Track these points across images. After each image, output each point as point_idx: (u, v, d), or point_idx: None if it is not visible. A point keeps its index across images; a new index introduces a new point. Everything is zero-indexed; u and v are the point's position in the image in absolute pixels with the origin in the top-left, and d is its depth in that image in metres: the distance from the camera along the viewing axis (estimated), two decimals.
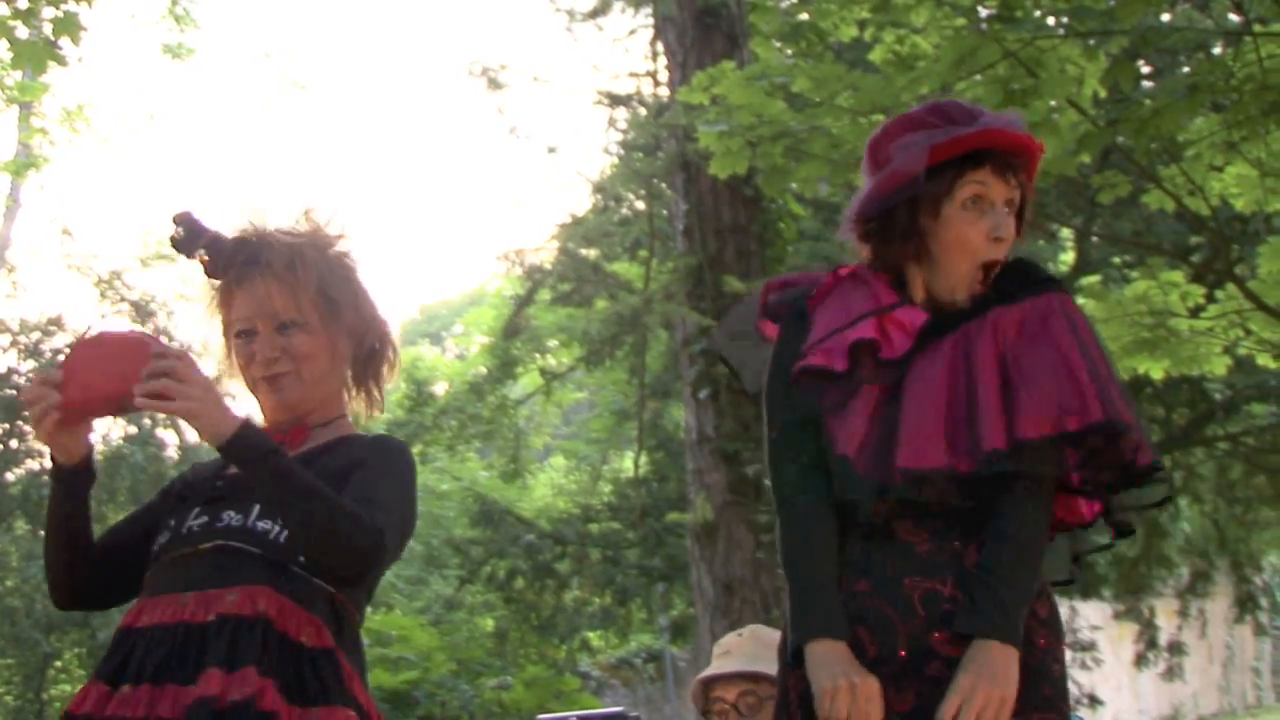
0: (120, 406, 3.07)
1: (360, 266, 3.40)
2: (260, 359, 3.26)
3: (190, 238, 3.28)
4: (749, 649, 4.34)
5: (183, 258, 3.33)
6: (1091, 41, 7.87)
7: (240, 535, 3.11)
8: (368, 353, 3.39)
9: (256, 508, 3.15)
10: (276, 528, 3.12)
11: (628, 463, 21.14)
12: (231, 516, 3.14)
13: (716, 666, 4.44)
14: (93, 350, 3.07)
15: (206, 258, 3.29)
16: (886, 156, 3.13)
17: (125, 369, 3.01)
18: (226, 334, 3.34)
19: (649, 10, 15.70)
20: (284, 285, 3.25)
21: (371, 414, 3.46)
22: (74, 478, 3.19)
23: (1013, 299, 3.07)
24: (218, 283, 3.33)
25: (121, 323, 18.26)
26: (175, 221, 3.29)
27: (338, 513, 2.99)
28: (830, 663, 2.92)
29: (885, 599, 2.98)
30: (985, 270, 3.09)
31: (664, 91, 15.29)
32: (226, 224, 3.34)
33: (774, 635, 4.17)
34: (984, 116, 3.12)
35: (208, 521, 3.14)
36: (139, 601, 3.11)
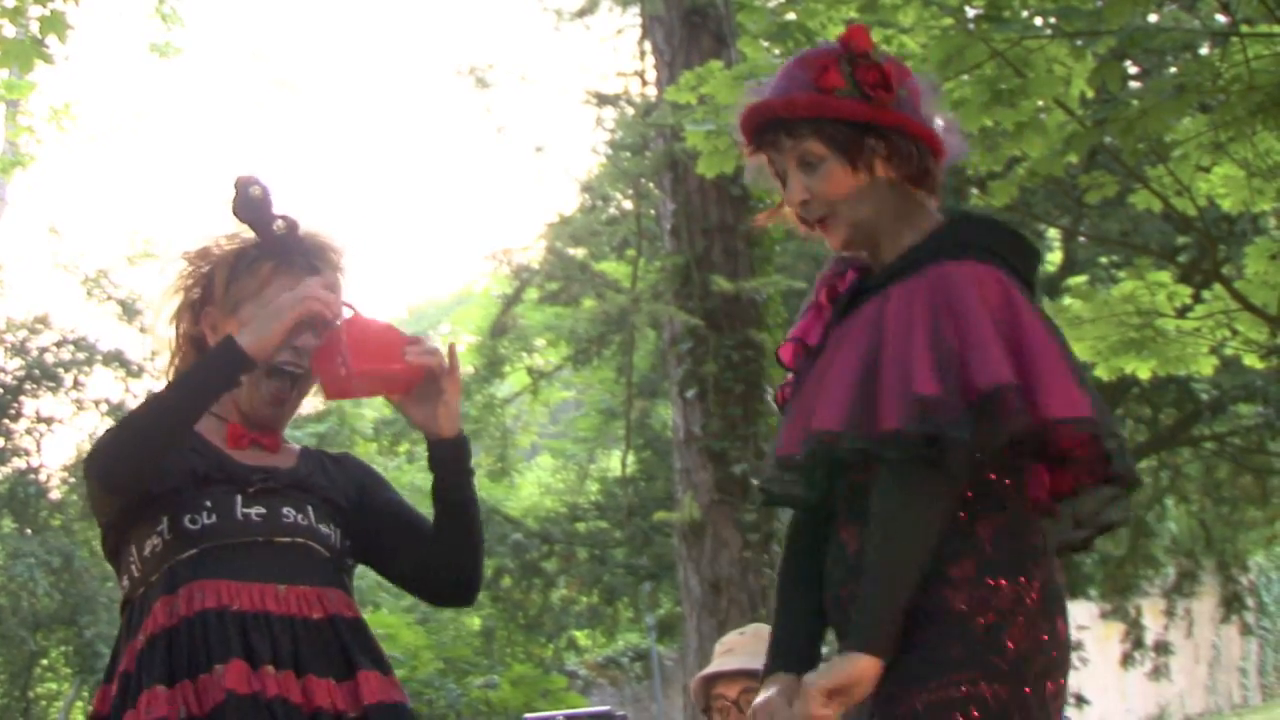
0: (394, 384, 3.16)
1: None
2: (291, 349, 3.21)
3: (268, 203, 3.24)
4: (751, 647, 4.35)
5: (243, 219, 3.26)
6: (1079, 42, 7.87)
7: (310, 535, 3.14)
8: None
9: (311, 509, 3.18)
10: (335, 533, 3.20)
11: (615, 462, 21.14)
12: (293, 514, 3.14)
13: (719, 664, 4.47)
14: (367, 328, 3.11)
15: (284, 230, 3.25)
16: None
17: (398, 350, 3.11)
18: (245, 304, 3.24)
19: (636, 10, 15.69)
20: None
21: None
22: (247, 369, 3.05)
23: (905, 274, 2.91)
24: (261, 256, 3.28)
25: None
26: (249, 183, 3.24)
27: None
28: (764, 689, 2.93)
29: (832, 610, 2.93)
30: (820, 224, 3.02)
31: (651, 91, 15.28)
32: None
33: None
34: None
35: (267, 514, 3.12)
36: (209, 581, 3.01)
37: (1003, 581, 2.77)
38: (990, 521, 2.82)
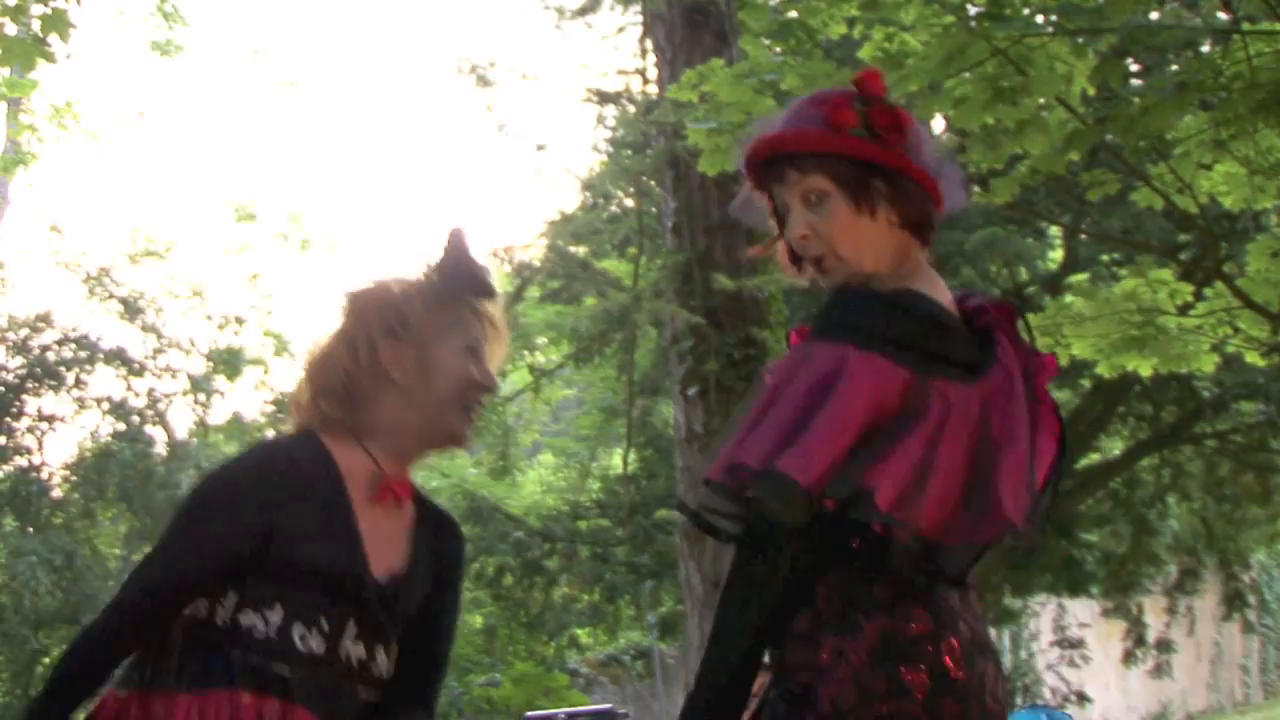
0: None
1: None
2: (482, 384, 3.22)
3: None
4: None
5: (454, 269, 3.32)
6: (1080, 39, 7.87)
7: (377, 691, 3.08)
8: None
9: (395, 649, 3.13)
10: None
11: (616, 460, 21.15)
12: (382, 659, 3.09)
13: None
14: None
15: (486, 282, 3.32)
16: None
17: None
18: (444, 342, 3.23)
19: (638, 8, 15.68)
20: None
21: None
22: None
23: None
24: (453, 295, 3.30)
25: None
26: (462, 235, 3.37)
27: None
28: None
29: None
30: (816, 264, 2.97)
31: (653, 89, 15.27)
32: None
33: None
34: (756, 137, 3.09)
35: (365, 659, 3.06)
36: (286, 705, 2.93)
37: (829, 638, 2.76)
38: (828, 579, 2.80)
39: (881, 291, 2.92)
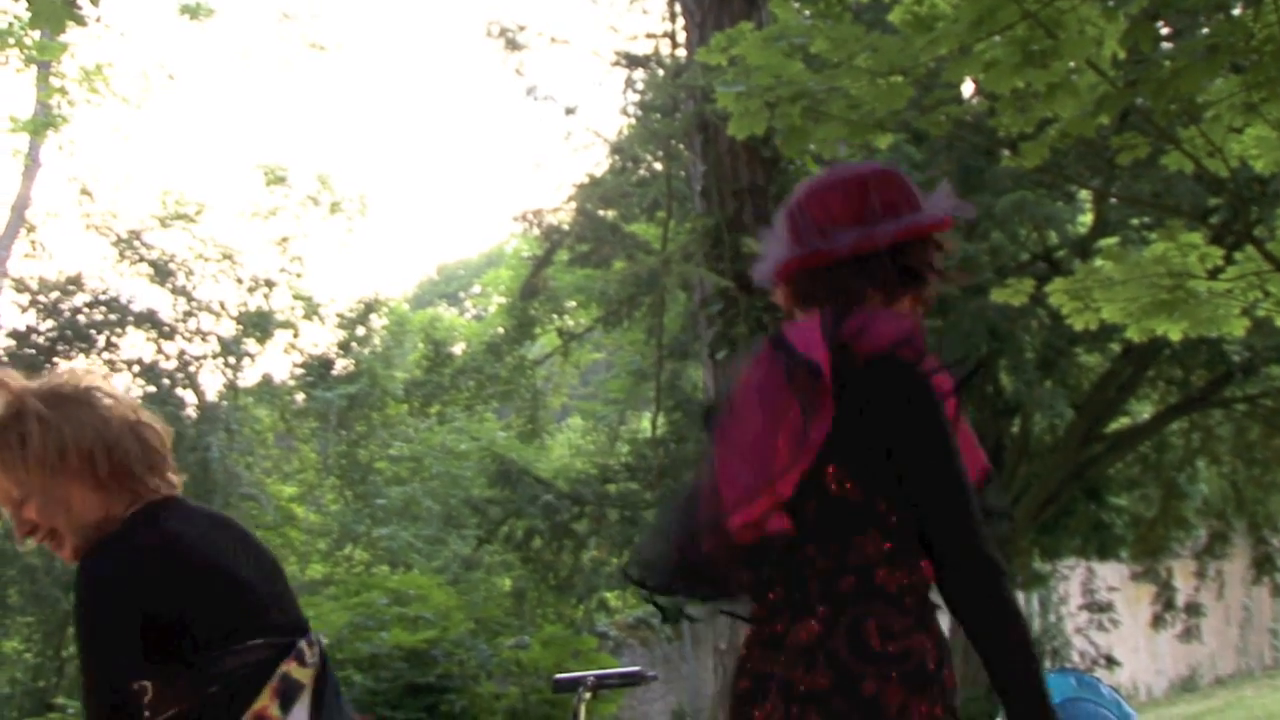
0: None
1: (101, 391, 3.29)
2: (19, 534, 3.22)
3: None
4: None
5: None
6: (1111, 2, 7.84)
7: None
8: (120, 458, 3.24)
9: None
10: None
11: (645, 423, 21.19)
12: None
13: None
14: None
15: None
16: None
17: None
18: None
19: None
20: (4, 468, 3.19)
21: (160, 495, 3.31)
22: None
23: None
24: None
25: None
26: None
27: None
28: None
29: None
30: None
31: (682, 52, 15.26)
32: None
33: None
34: None
35: None
36: None
37: (922, 635, 2.92)
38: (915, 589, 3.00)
39: None
